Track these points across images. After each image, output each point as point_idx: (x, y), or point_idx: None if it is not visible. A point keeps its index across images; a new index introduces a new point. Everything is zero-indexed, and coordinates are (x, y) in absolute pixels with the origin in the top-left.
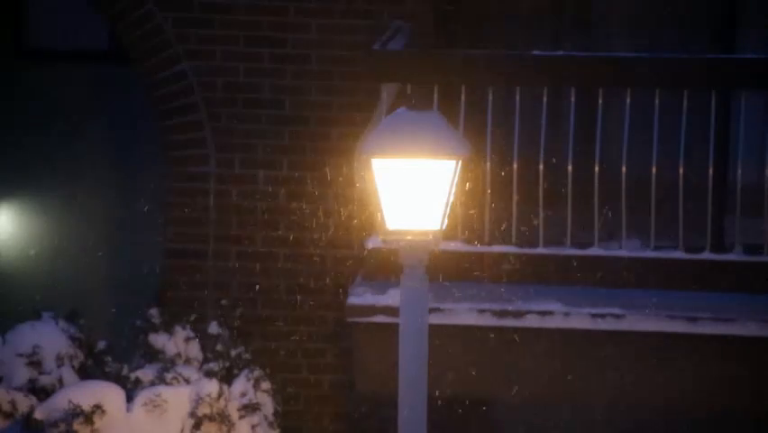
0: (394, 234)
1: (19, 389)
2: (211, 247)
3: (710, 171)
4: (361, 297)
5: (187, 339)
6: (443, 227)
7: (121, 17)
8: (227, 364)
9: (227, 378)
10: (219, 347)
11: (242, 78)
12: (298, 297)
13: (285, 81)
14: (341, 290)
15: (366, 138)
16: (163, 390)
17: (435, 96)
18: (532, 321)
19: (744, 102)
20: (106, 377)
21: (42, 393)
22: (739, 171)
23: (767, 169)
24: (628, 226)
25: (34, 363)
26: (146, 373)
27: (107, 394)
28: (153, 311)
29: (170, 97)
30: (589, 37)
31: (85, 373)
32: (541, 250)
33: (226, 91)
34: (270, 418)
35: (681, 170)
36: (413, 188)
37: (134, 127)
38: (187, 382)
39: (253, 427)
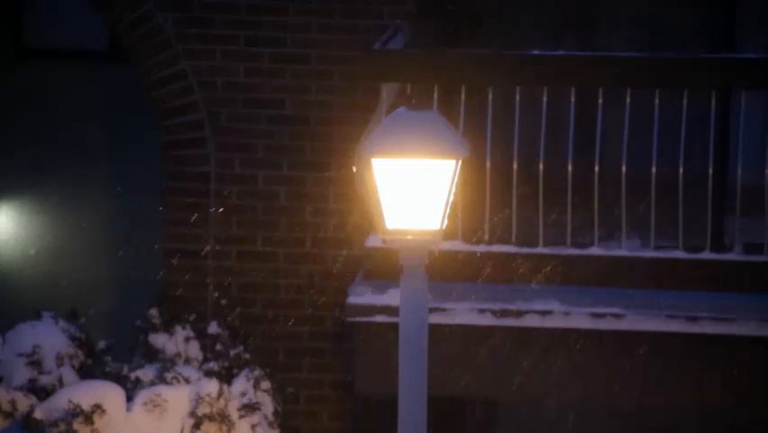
0: (394, 234)
1: (19, 388)
2: (211, 247)
3: (710, 171)
4: (361, 297)
5: (187, 339)
6: (443, 227)
7: (120, 17)
8: (227, 364)
9: (227, 378)
10: (219, 347)
11: (242, 78)
12: (298, 297)
13: (285, 81)
14: (341, 290)
15: (366, 138)
16: (163, 389)
17: (435, 96)
18: (532, 321)
19: (744, 102)
20: (106, 377)
21: (42, 393)
22: (739, 171)
23: (767, 169)
24: (628, 226)
25: (34, 362)
26: (146, 373)
27: (107, 394)
28: (153, 311)
29: (170, 97)
30: (590, 37)
31: (85, 373)
32: (541, 250)
33: (226, 91)
34: (270, 417)
35: (681, 170)
36: (413, 188)
37: (134, 127)
38: (187, 381)
39: (253, 426)
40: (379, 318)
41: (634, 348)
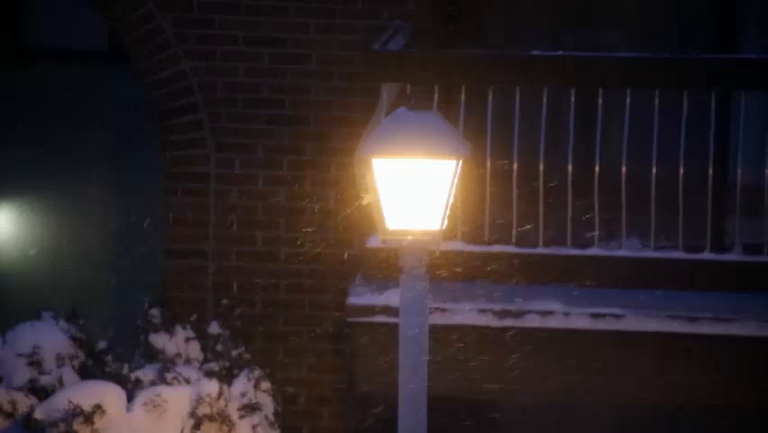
0: (394, 235)
1: (19, 389)
2: (211, 247)
3: (710, 171)
4: (361, 297)
5: (188, 339)
6: (443, 227)
7: (121, 17)
8: (227, 364)
9: (227, 378)
10: (219, 347)
11: (242, 78)
12: (298, 297)
13: (285, 81)
14: (341, 290)
15: (366, 138)
16: (163, 390)
17: (435, 96)
18: (532, 321)
19: (744, 102)
20: (106, 377)
21: (42, 393)
22: (739, 171)
23: (767, 169)
24: (628, 226)
25: (34, 363)
26: (146, 373)
27: (107, 394)
28: (154, 311)
29: (170, 97)
30: (590, 37)
31: (85, 373)
32: (541, 250)
33: (226, 91)
34: (270, 418)
35: (681, 170)
36: (413, 188)
37: (134, 127)
38: (188, 382)
39: (253, 427)
40: (379, 318)
41: (633, 348)
